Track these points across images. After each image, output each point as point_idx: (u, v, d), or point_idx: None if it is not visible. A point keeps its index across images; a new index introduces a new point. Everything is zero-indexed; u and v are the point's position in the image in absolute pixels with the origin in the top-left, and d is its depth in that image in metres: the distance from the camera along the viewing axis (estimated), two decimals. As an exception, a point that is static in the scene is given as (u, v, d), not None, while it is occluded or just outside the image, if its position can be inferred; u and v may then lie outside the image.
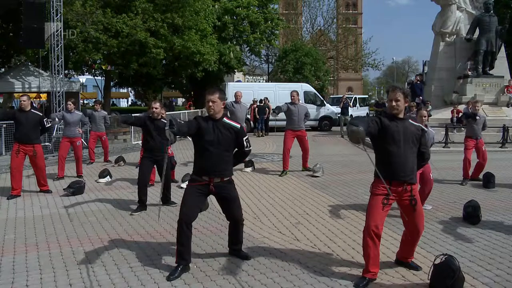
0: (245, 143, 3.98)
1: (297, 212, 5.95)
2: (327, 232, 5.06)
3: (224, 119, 3.92)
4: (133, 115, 7.07)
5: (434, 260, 3.61)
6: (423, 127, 3.81)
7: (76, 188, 7.01)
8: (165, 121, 6.18)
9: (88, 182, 7.80)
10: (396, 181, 3.65)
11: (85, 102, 37.99)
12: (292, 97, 8.83)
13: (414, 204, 3.68)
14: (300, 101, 9.72)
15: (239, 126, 3.94)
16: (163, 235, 4.94)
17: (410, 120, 3.74)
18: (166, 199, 6.31)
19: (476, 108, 8.10)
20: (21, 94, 9.48)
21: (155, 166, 6.36)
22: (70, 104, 8.92)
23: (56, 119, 9.01)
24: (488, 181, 7.51)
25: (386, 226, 5.14)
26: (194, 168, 3.97)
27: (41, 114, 7.22)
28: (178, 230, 3.83)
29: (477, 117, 7.93)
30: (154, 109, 6.10)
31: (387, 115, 3.73)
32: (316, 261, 4.13)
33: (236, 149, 4.04)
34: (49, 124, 7.31)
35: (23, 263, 4.13)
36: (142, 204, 5.99)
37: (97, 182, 8.05)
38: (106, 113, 10.92)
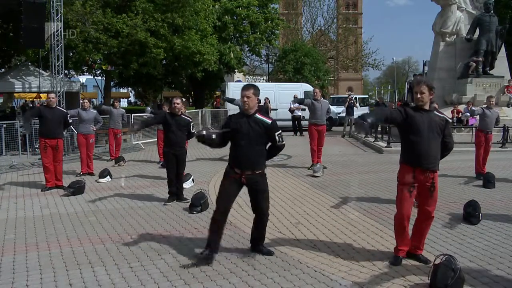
0: (277, 137, 4.08)
1: (297, 212, 5.94)
2: (327, 232, 5.06)
3: (257, 114, 4.06)
4: (150, 115, 7.48)
5: (434, 260, 3.61)
6: (447, 118, 3.98)
7: (76, 188, 7.02)
8: (186, 118, 6.54)
9: (88, 182, 7.80)
10: (420, 168, 3.87)
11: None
12: (315, 93, 9.42)
13: (433, 191, 3.90)
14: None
15: (270, 121, 4.07)
16: (163, 235, 4.94)
17: (435, 112, 3.94)
18: (178, 196, 6.55)
19: (491, 102, 8.35)
20: (47, 91, 10.00)
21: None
22: (86, 102, 9.28)
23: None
24: (488, 181, 7.51)
25: (387, 226, 5.15)
26: (229, 160, 4.15)
27: (66, 111, 7.66)
28: (212, 219, 4.07)
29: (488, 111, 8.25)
30: (175, 105, 6.46)
31: (413, 107, 3.96)
32: (316, 261, 4.13)
33: (270, 143, 4.16)
34: (71, 120, 7.77)
35: (23, 263, 4.13)
36: (172, 195, 6.44)
37: (97, 182, 8.06)
38: (124, 111, 11.30)
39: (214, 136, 4.01)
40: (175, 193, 6.48)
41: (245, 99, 3.99)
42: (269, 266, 4.02)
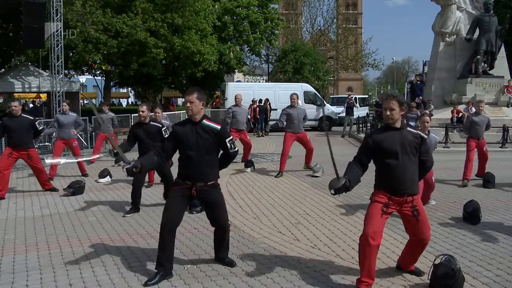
0: (228, 144, 3.73)
1: (297, 212, 5.94)
2: (327, 232, 5.06)
3: (204, 120, 3.70)
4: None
5: (434, 260, 3.60)
6: (422, 134, 3.56)
7: (76, 188, 7.01)
8: (155, 124, 6.08)
9: (88, 182, 7.80)
10: (396, 194, 3.46)
11: (85, 102, 37.81)
12: (292, 100, 8.71)
13: (417, 215, 3.48)
14: (300, 103, 9.65)
15: (219, 127, 3.71)
16: (163, 235, 4.94)
17: (408, 128, 3.52)
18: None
19: (480, 108, 8.03)
20: (13, 98, 9.38)
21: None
22: (65, 105, 8.75)
23: (53, 129, 8.82)
24: (488, 181, 7.51)
25: (387, 226, 5.14)
26: (178, 172, 3.81)
27: (32, 118, 7.09)
28: (159, 235, 3.68)
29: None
30: (140, 113, 6.02)
31: (382, 126, 3.59)
32: (316, 261, 4.13)
33: (222, 151, 3.82)
34: (41, 127, 7.24)
35: (23, 263, 4.13)
36: (135, 206, 5.94)
37: (97, 182, 8.05)
38: (113, 114, 10.88)
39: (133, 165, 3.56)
40: (138, 206, 5.99)
41: (188, 104, 3.63)
42: (269, 266, 4.02)
